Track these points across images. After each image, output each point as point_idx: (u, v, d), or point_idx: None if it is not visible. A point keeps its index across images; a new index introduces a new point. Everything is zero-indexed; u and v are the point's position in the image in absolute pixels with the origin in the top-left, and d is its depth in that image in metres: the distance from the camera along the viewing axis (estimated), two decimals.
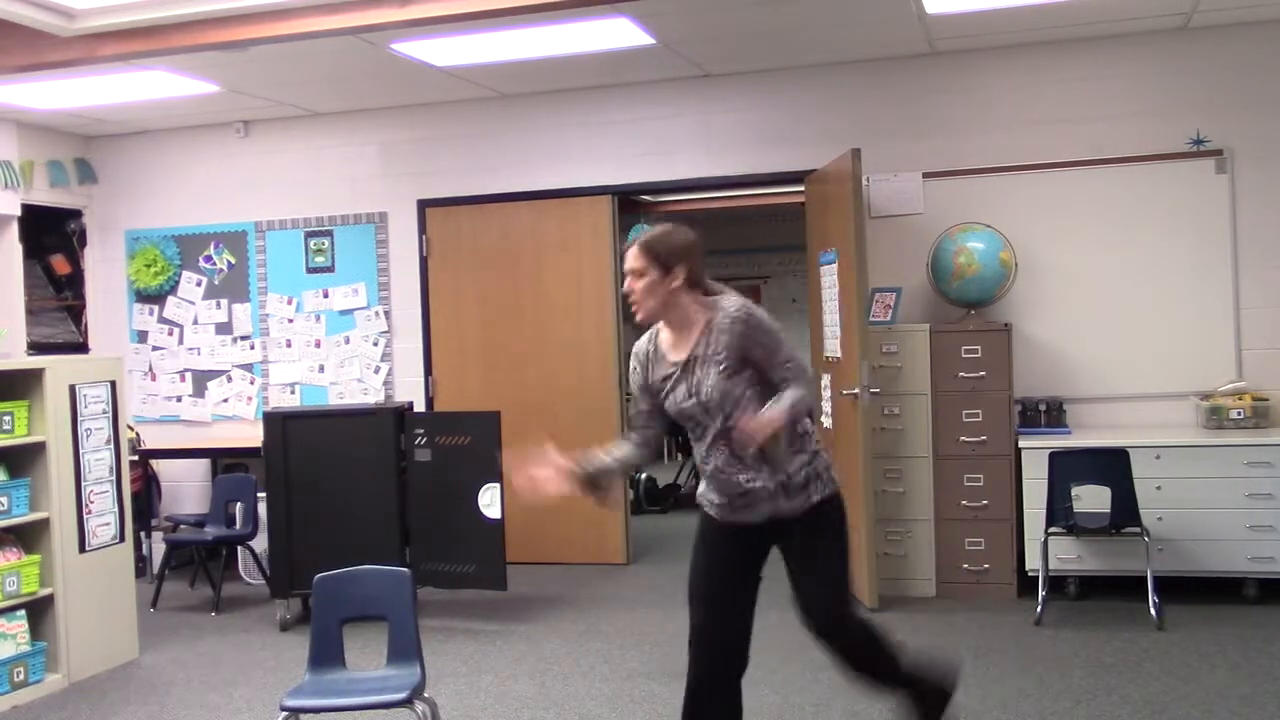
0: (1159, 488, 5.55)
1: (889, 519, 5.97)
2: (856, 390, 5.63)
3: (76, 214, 7.77)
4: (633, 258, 3.23)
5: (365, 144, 7.38)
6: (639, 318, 3.28)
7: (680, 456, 9.86)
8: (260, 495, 6.31)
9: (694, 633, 3.30)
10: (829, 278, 6.06)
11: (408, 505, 5.83)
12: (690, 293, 3.22)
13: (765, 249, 11.67)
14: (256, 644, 5.63)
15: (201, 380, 7.67)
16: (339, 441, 5.79)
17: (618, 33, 5.72)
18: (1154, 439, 5.66)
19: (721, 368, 3.14)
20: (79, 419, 5.18)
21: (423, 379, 7.28)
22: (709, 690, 3.29)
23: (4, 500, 4.89)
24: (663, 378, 3.27)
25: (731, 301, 3.19)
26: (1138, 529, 5.32)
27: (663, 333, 3.31)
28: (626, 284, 3.26)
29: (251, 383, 7.58)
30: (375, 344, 7.37)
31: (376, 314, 7.36)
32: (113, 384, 5.39)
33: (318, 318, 7.47)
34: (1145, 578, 5.33)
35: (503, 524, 5.75)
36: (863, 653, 3.30)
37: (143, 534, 7.09)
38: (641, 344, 3.37)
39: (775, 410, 3.08)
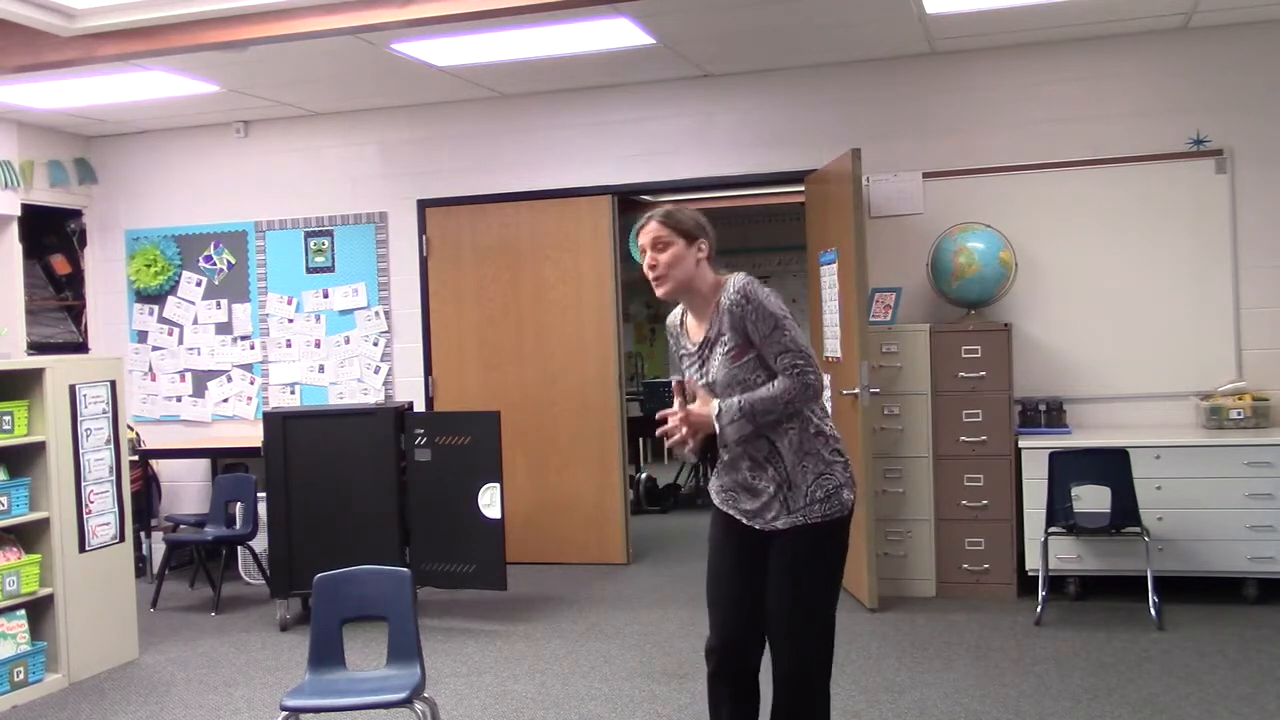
0: (1159, 488, 5.55)
1: (889, 519, 5.98)
2: (856, 390, 5.64)
3: (76, 214, 7.77)
4: (654, 229, 3.11)
5: (365, 144, 7.38)
6: (661, 293, 3.15)
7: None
8: (260, 495, 6.32)
9: (711, 635, 3.25)
10: (829, 278, 6.06)
11: (408, 505, 5.83)
12: (709, 269, 3.17)
13: (765, 249, 11.68)
14: (256, 644, 5.63)
15: (201, 380, 7.67)
16: (339, 441, 5.80)
17: (618, 33, 5.72)
18: (1154, 439, 5.66)
19: (727, 350, 3.09)
20: (79, 419, 5.18)
21: (422, 379, 7.28)
22: (727, 685, 3.24)
23: (4, 500, 4.89)
24: (684, 357, 3.28)
25: (737, 279, 3.10)
26: (1138, 529, 5.33)
27: (687, 313, 3.27)
28: (648, 259, 3.12)
29: (251, 383, 7.58)
30: (375, 344, 7.37)
31: (376, 314, 7.36)
32: (113, 384, 5.39)
33: (318, 318, 7.46)
34: (1145, 578, 5.34)
35: (503, 524, 5.75)
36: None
37: (143, 534, 7.09)
38: (672, 318, 3.35)
39: (714, 409, 3.04)
